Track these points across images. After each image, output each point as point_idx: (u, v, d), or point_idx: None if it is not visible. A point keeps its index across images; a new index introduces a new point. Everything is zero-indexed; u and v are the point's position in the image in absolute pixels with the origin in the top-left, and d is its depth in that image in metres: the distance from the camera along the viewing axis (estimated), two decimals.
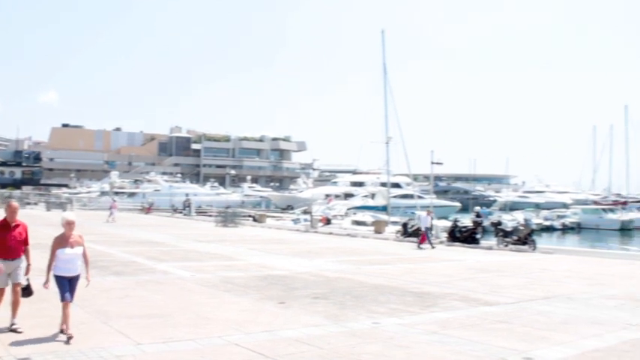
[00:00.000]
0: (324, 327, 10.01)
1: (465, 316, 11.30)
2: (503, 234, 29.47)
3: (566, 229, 66.27)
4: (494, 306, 12.57)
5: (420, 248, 27.68)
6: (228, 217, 44.76)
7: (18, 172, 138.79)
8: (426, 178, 72.98)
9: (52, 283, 8.68)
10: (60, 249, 8.66)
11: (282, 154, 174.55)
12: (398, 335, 9.53)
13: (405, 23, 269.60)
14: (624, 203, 77.61)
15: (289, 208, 77.46)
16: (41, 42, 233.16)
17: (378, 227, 38.47)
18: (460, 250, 27.50)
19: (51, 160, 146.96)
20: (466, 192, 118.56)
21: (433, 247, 27.74)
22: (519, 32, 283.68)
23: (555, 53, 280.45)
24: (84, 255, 8.92)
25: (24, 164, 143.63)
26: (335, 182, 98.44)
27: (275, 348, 8.45)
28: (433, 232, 29.72)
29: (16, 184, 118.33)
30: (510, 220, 40.20)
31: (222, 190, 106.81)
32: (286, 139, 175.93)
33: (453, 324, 10.50)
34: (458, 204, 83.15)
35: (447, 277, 17.73)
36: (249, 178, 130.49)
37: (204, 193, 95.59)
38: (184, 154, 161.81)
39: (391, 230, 37.56)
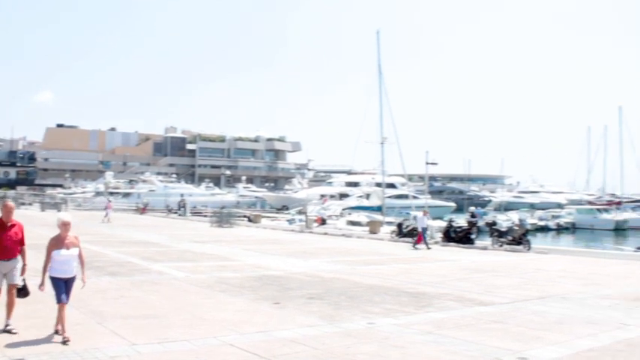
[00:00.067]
0: (319, 327, 10.02)
1: (459, 316, 11.32)
2: (498, 234, 29.52)
3: (560, 229, 66.47)
4: (489, 306, 12.59)
5: (416, 248, 27.72)
6: (223, 217, 44.72)
7: (12, 173, 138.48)
8: (421, 178, 72.93)
9: (48, 285, 8.64)
10: (56, 250, 8.62)
11: (277, 154, 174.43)
12: (393, 335, 9.55)
13: (401, 24, 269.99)
14: (618, 203, 77.77)
15: (284, 208, 77.41)
16: (36, 42, 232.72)
17: (373, 227, 38.48)
18: (455, 251, 27.55)
19: (45, 160, 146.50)
20: (461, 192, 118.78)
21: (429, 248, 27.77)
22: (515, 33, 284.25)
23: (550, 54, 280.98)
24: (80, 256, 8.89)
25: (18, 164, 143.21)
26: (330, 182, 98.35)
27: (270, 348, 8.46)
28: (428, 232, 29.76)
29: (11, 185, 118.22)
30: (505, 221, 40.38)
31: (217, 190, 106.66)
32: (281, 140, 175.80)
33: (447, 324, 10.52)
34: (453, 204, 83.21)
35: (441, 277, 17.76)
36: (244, 178, 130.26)
37: (200, 193, 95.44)
38: (179, 155, 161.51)
39: (386, 230, 37.55)
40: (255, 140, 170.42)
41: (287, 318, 10.78)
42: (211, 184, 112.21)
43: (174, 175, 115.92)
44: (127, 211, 66.09)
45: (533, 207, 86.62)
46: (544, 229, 63.79)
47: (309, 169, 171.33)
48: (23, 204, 67.13)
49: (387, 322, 10.63)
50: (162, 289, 13.87)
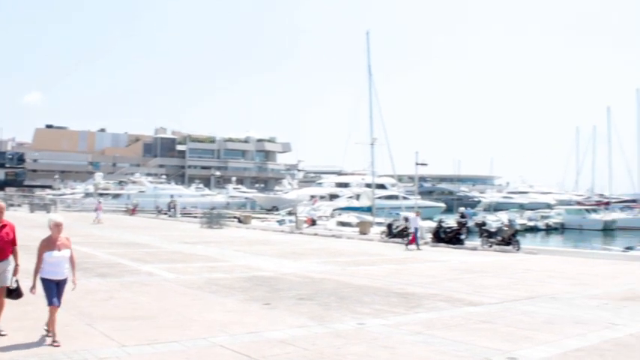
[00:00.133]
0: (309, 328, 10.03)
1: (449, 317, 11.35)
2: (487, 234, 29.62)
3: (549, 230, 66.76)
4: (479, 306, 12.63)
5: (409, 249, 27.75)
6: (213, 218, 44.70)
7: (1, 174, 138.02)
8: (411, 179, 73.18)
9: (39, 287, 8.58)
10: (47, 252, 8.52)
11: (267, 155, 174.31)
12: (382, 336, 9.56)
13: (391, 25, 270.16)
14: (607, 204, 78.17)
15: (274, 209, 77.46)
16: (25, 42, 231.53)
17: (363, 228, 38.54)
18: (445, 251, 27.62)
19: (35, 161, 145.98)
20: (451, 193, 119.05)
21: (419, 249, 27.83)
22: (504, 34, 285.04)
23: (539, 54, 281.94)
24: (71, 258, 8.80)
25: (7, 165, 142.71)
26: (320, 183, 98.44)
27: (260, 349, 8.46)
28: (418, 233, 29.84)
29: (0, 186, 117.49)
30: (494, 221, 40.39)
31: (207, 191, 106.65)
32: (271, 141, 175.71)
33: (437, 324, 10.55)
34: (442, 205, 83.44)
35: (431, 277, 17.81)
36: (234, 179, 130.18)
37: (189, 194, 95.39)
38: (169, 155, 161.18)
39: (376, 231, 37.62)
40: (245, 141, 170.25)
41: (277, 319, 10.79)
42: (201, 185, 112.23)
43: (164, 176, 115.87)
44: (117, 212, 65.96)
45: (522, 207, 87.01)
46: (533, 230, 64.06)
47: (299, 170, 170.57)
48: (12, 205, 66.74)
49: (376, 322, 10.65)
50: (152, 290, 13.85)
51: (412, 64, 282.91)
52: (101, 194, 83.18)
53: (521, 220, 62.03)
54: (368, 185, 65.99)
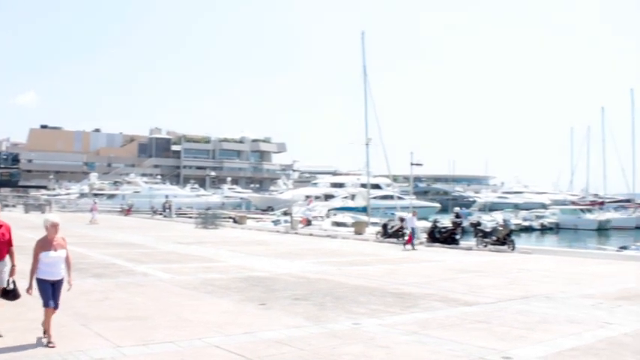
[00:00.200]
0: (304, 328, 10.03)
1: (444, 317, 11.37)
2: (482, 234, 29.63)
3: (544, 230, 66.91)
4: (474, 306, 12.65)
5: (407, 249, 27.73)
6: (208, 218, 44.64)
7: None
8: (406, 179, 73.06)
9: (35, 288, 8.56)
10: (43, 252, 8.46)
11: (263, 155, 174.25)
12: (378, 336, 9.57)
13: (386, 25, 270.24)
14: (601, 203, 78.31)
15: (269, 209, 77.31)
16: (19, 42, 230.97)
17: (359, 228, 38.54)
18: (440, 251, 27.63)
19: (29, 161, 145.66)
20: (446, 193, 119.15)
21: (414, 249, 27.83)
22: (499, 35, 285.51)
23: (534, 55, 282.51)
24: (66, 258, 8.73)
25: (2, 166, 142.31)
26: (315, 183, 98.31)
27: (256, 349, 8.46)
28: (416, 233, 29.85)
29: None
30: (489, 221, 40.52)
31: (202, 191, 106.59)
32: (266, 141, 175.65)
33: (432, 324, 10.56)
34: (437, 205, 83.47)
35: (426, 277, 17.82)
36: (229, 179, 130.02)
37: (185, 194, 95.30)
38: (164, 156, 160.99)
39: (371, 231, 37.61)
40: (240, 141, 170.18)
41: (273, 319, 10.78)
42: (196, 186, 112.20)
43: (159, 177, 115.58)
44: (112, 212, 65.80)
45: (517, 207, 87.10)
46: (528, 230, 64.19)
47: (294, 170, 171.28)
48: (7, 206, 66.55)
49: (372, 322, 10.65)
50: (147, 290, 13.84)
51: (407, 65, 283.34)
52: (96, 195, 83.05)
53: (516, 220, 62.17)
54: (363, 185, 65.90)
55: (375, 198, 64.07)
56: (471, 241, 30.50)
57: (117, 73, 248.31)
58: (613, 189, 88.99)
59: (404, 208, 47.39)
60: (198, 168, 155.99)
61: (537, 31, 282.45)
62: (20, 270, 8.91)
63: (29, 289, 8.49)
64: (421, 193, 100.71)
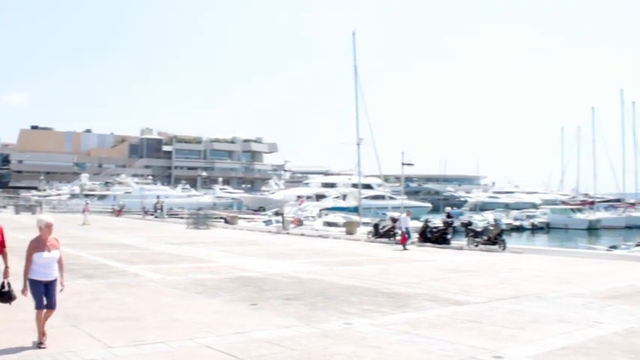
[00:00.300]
0: (296, 328, 10.03)
1: (435, 316, 11.39)
2: (473, 234, 29.67)
3: (535, 229, 67.10)
4: (465, 305, 12.68)
5: (406, 249, 27.70)
6: (199, 219, 44.55)
7: None
8: (397, 179, 73.12)
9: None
10: (37, 253, 8.37)
11: (254, 155, 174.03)
12: (370, 336, 9.58)
13: (377, 25, 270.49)
14: (592, 203, 78.56)
15: (261, 209, 77.21)
16: (9, 42, 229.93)
17: (350, 228, 38.54)
18: (431, 251, 27.66)
19: (20, 162, 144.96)
20: (437, 193, 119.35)
21: (406, 249, 27.82)
22: (490, 35, 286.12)
23: (525, 55, 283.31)
24: (59, 259, 8.65)
25: None
26: (306, 183, 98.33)
27: (247, 349, 8.46)
28: (410, 232, 29.88)
29: None
30: (481, 221, 40.55)
31: (193, 191, 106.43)
32: (258, 141, 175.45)
33: (423, 324, 10.58)
34: (429, 205, 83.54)
35: (418, 277, 17.84)
36: (220, 179, 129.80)
37: (176, 195, 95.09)
38: (155, 156, 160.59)
39: (363, 231, 37.62)
40: (232, 142, 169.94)
41: (264, 319, 10.79)
42: (188, 186, 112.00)
43: (151, 177, 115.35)
44: (103, 213, 65.53)
45: (508, 207, 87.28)
46: (519, 229, 64.37)
47: (285, 170, 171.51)
48: None
49: (363, 322, 10.66)
50: (138, 291, 13.81)
51: (399, 65, 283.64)
52: (87, 195, 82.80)
53: (507, 219, 62.29)
54: (354, 185, 65.91)
55: (366, 198, 64.14)
56: (462, 241, 30.54)
57: (108, 73, 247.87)
58: (603, 189, 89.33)
59: (395, 208, 47.48)
60: (190, 168, 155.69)
61: (528, 32, 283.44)
62: (13, 272, 8.83)
63: (24, 290, 8.39)
64: (412, 193, 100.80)
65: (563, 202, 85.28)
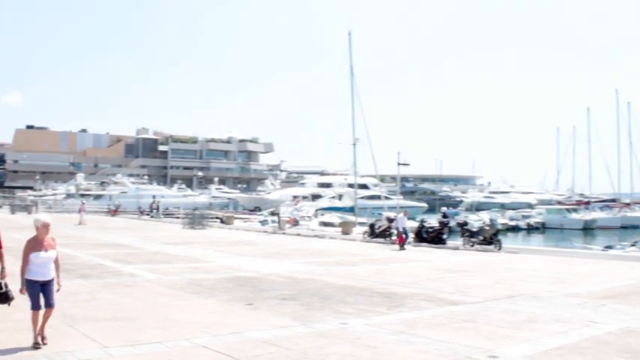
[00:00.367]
0: (292, 328, 10.04)
1: (431, 316, 11.41)
2: (469, 234, 29.69)
3: (531, 229, 67.28)
4: (461, 305, 12.70)
5: (404, 249, 27.70)
6: (195, 219, 44.52)
7: None
8: (393, 179, 73.36)
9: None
10: (34, 253, 8.32)
11: (250, 155, 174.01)
12: (365, 335, 9.59)
13: (373, 25, 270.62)
14: (587, 203, 78.81)
15: (257, 209, 77.23)
16: (5, 42, 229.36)
17: (346, 228, 38.54)
18: (427, 251, 27.67)
19: (15, 162, 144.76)
20: (433, 193, 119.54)
21: (402, 248, 27.80)
22: (485, 34, 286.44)
23: (520, 56, 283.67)
24: (56, 259, 8.61)
25: None
26: (302, 183, 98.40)
27: (243, 349, 8.46)
28: (407, 232, 29.90)
29: None
30: (476, 221, 40.59)
31: (189, 191, 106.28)
32: (254, 141, 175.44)
33: (419, 324, 10.59)
34: (425, 205, 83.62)
35: (413, 277, 17.86)
36: (216, 179, 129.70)
37: (172, 194, 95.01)
38: (151, 156, 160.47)
39: (359, 231, 37.65)
40: (228, 141, 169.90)
41: (260, 319, 10.79)
42: (183, 186, 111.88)
43: (146, 177, 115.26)
44: (99, 213, 65.43)
45: (503, 207, 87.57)
46: (515, 229, 64.57)
47: (281, 170, 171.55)
48: None
49: (359, 322, 10.67)
50: (134, 291, 13.80)
51: (395, 65, 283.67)
52: (83, 195, 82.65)
53: (502, 219, 62.36)
54: (350, 185, 66.04)
55: (362, 198, 64.24)
56: (458, 241, 30.58)
57: (103, 73, 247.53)
58: (598, 189, 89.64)
59: (391, 208, 47.57)
60: (186, 168, 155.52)
61: (523, 32, 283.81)
62: (10, 272, 8.78)
63: (22, 290, 8.36)
64: (408, 193, 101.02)
65: (559, 202, 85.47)
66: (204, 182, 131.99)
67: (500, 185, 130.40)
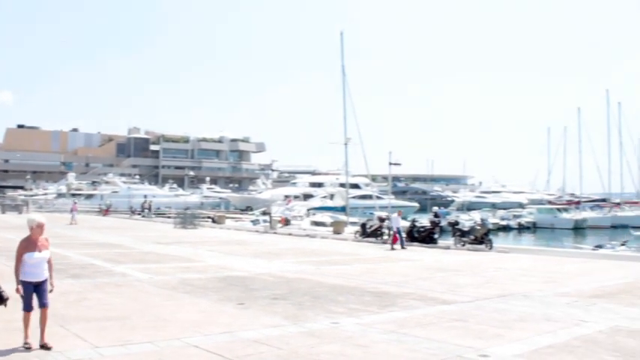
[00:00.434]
0: (283, 327, 10.05)
1: (422, 315, 11.44)
2: (460, 234, 29.78)
3: (522, 229, 67.48)
4: (452, 304, 12.74)
5: (394, 249, 27.75)
6: (187, 218, 44.46)
7: None
8: (385, 178, 73.43)
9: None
10: (28, 253, 8.23)
11: (242, 155, 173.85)
12: (356, 335, 9.61)
13: (364, 24, 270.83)
14: (578, 203, 79.10)
15: (248, 209, 77.19)
16: None
17: (337, 228, 38.57)
18: (418, 250, 27.71)
19: (6, 161, 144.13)
20: (424, 192, 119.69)
21: (393, 248, 27.86)
22: (476, 34, 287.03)
23: (511, 55, 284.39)
24: (49, 260, 8.52)
25: None
26: (294, 183, 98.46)
27: (234, 349, 8.47)
28: (390, 232, 29.93)
29: None
30: (467, 220, 40.73)
31: (180, 191, 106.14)
32: (245, 140, 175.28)
33: (410, 323, 10.62)
34: (416, 204, 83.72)
35: (405, 276, 17.89)
36: (208, 179, 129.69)
37: (163, 194, 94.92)
38: (143, 156, 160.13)
39: (350, 231, 37.70)
40: (219, 141, 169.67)
41: (251, 318, 10.79)
42: (175, 185, 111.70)
43: (138, 176, 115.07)
44: (90, 212, 65.26)
45: (495, 207, 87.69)
46: (506, 229, 64.73)
47: (273, 170, 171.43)
48: None
49: (350, 321, 10.69)
50: (125, 291, 13.78)
51: (387, 66, 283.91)
52: (74, 195, 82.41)
53: (493, 219, 62.49)
54: (342, 185, 66.10)
55: (353, 198, 64.27)
56: (449, 241, 30.68)
57: (95, 72, 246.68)
58: (589, 188, 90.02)
59: (382, 208, 47.61)
60: (177, 168, 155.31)
61: (514, 32, 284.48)
62: (1, 272, 8.69)
63: (18, 289, 8.22)
64: (400, 193, 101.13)
65: (550, 202, 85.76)
66: (196, 182, 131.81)
67: (491, 185, 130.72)
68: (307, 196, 75.74)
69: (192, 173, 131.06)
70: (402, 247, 27.80)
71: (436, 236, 30.74)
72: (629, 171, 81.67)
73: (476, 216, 52.39)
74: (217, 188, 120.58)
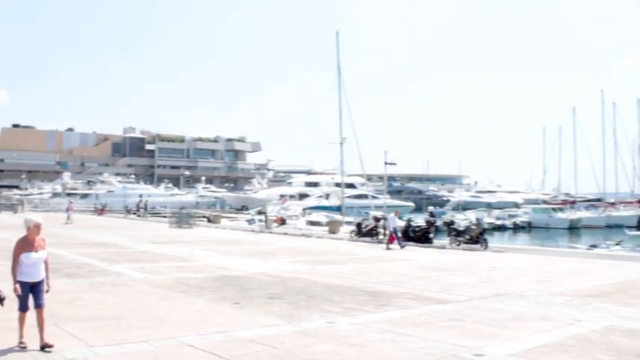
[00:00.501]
0: (278, 327, 10.06)
1: (417, 315, 11.46)
2: (455, 233, 29.80)
3: (517, 228, 67.60)
4: (447, 304, 12.76)
5: (389, 249, 27.75)
6: (182, 218, 44.44)
7: None
8: (380, 178, 73.24)
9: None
10: (25, 253, 8.20)
11: (237, 154, 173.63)
12: (352, 334, 9.63)
13: (360, 23, 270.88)
14: (573, 202, 79.24)
15: (244, 208, 77.16)
16: None
17: (333, 227, 38.58)
18: (413, 250, 27.72)
19: (1, 161, 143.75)
20: (420, 192, 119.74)
21: (388, 248, 27.85)
22: (471, 34, 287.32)
23: (506, 56, 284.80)
24: (45, 260, 8.49)
25: None
26: (290, 183, 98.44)
27: (229, 348, 8.47)
28: (387, 232, 29.92)
29: None
30: (463, 220, 40.71)
31: (176, 190, 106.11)
32: (241, 140, 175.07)
33: (405, 322, 10.64)
34: (412, 204, 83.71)
35: (400, 276, 17.91)
36: (203, 178, 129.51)
37: (159, 194, 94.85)
38: (138, 155, 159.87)
39: (345, 230, 37.70)
40: (215, 140, 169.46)
41: (247, 318, 10.80)
42: (170, 185, 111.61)
43: (133, 176, 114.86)
44: (85, 212, 65.21)
45: (490, 206, 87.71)
46: (501, 228, 64.84)
47: (268, 170, 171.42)
48: None
49: (345, 321, 10.70)
50: (120, 290, 13.77)
51: (383, 66, 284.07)
52: (69, 194, 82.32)
53: (488, 218, 62.63)
54: (337, 184, 65.98)
55: (349, 197, 64.19)
56: (445, 240, 30.70)
57: (90, 72, 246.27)
58: (584, 188, 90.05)
59: (378, 208, 47.60)
60: (173, 167, 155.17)
61: (510, 32, 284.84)
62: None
63: (16, 289, 8.17)
64: (395, 193, 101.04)
65: (545, 202, 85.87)
66: (192, 181, 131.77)
67: (486, 185, 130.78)
68: (303, 196, 75.67)
69: (187, 173, 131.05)
70: (401, 247, 27.79)
71: (431, 236, 30.79)
72: (623, 171, 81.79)
73: (471, 216, 52.39)
74: (213, 188, 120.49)
